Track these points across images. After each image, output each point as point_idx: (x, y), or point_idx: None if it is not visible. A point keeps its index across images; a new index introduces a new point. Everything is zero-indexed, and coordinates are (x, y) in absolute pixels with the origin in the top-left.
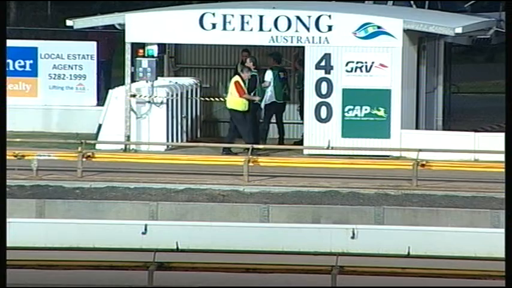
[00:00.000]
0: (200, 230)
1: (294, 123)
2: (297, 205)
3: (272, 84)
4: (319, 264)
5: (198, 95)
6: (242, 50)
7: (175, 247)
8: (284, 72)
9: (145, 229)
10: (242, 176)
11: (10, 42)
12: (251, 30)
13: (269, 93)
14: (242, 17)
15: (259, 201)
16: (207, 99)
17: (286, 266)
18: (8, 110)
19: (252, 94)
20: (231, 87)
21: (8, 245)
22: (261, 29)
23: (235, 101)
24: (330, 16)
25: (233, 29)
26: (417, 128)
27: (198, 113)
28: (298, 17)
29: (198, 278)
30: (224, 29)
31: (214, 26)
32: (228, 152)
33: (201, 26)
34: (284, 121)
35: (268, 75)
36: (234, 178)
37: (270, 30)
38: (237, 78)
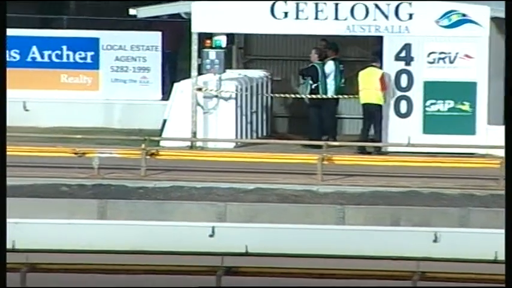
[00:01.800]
0: (271, 232)
1: (354, 118)
2: (374, 206)
3: (333, 76)
4: (399, 270)
5: (269, 89)
6: (321, 39)
7: (244, 250)
8: (342, 63)
9: (213, 231)
10: (316, 175)
11: (70, 33)
12: (326, 19)
13: (329, 86)
14: (316, 5)
15: (334, 202)
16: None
17: (363, 272)
18: (69, 105)
19: (314, 86)
20: (372, 80)
21: (70, 247)
22: (336, 18)
23: (378, 95)
24: (410, 3)
25: (306, 18)
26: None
27: (269, 108)
28: (376, 5)
29: (268, 283)
30: (297, 18)
31: (286, 14)
32: (362, 151)
33: (272, 14)
34: (344, 116)
35: (330, 67)
36: (307, 177)
37: (346, 19)
38: (378, 70)
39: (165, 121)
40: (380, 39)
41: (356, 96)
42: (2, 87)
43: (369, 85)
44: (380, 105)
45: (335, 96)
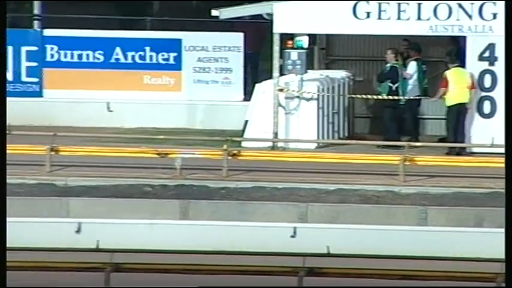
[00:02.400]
0: (352, 233)
1: (436, 118)
2: (457, 207)
3: (416, 77)
4: (483, 271)
5: (351, 89)
6: (403, 39)
7: (326, 251)
8: (425, 64)
9: (295, 232)
10: (398, 176)
11: (153, 34)
12: (408, 19)
13: (410, 86)
14: (399, 5)
15: (417, 203)
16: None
17: (446, 273)
18: (151, 106)
19: (394, 87)
20: (464, 79)
21: (153, 248)
22: (419, 18)
23: (468, 94)
24: (494, 3)
25: (389, 18)
26: None
27: (351, 108)
28: (459, 5)
29: (350, 284)
30: (379, 18)
31: (368, 14)
32: (450, 151)
33: (355, 15)
34: (426, 116)
35: (412, 67)
36: (389, 178)
37: (428, 19)
38: (465, 70)
39: (246, 122)
40: (453, 39)
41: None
42: (2, 88)
43: (461, 84)
44: (466, 105)
45: (416, 97)
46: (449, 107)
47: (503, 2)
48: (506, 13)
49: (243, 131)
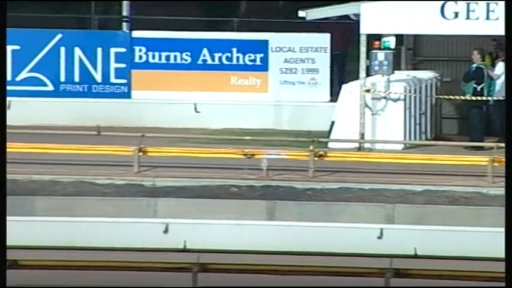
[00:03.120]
0: (440, 235)
1: None
2: None
3: (503, 77)
4: None
5: (438, 90)
6: (491, 39)
7: (413, 253)
8: None
9: (381, 233)
10: (486, 177)
11: (240, 35)
12: (497, 19)
13: (498, 87)
14: (488, 4)
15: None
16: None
17: None
18: (238, 106)
19: (479, 88)
20: None
21: (240, 248)
22: None
23: None
24: None
25: (477, 18)
26: None
27: (438, 109)
28: None
29: (437, 285)
30: (467, 18)
31: (456, 15)
32: None
33: (442, 15)
34: None
35: (500, 68)
36: (477, 179)
37: None
38: None
39: (333, 123)
40: None
41: None
42: (2, 88)
43: None
44: None
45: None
46: None
47: None
48: (506, 13)
49: (330, 131)
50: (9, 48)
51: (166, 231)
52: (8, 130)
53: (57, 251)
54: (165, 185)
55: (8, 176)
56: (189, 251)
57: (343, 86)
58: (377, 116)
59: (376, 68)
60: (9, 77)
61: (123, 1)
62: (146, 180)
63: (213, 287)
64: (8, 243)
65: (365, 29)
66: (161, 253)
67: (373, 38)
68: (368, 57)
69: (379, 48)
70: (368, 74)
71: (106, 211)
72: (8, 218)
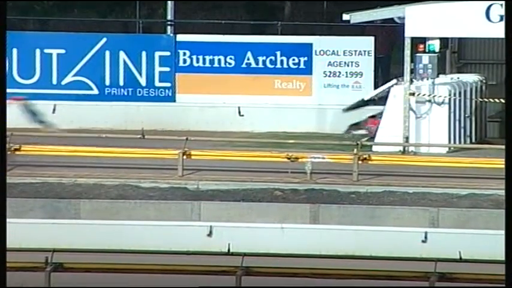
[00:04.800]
0: (485, 239)
1: None
2: None
3: None
4: None
5: (483, 93)
6: None
7: (457, 257)
8: None
9: (426, 237)
10: None
11: (284, 39)
12: None
13: None
14: None
15: None
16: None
17: None
18: (281, 110)
19: None
20: None
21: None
22: None
23: None
24: None
25: None
26: None
27: (483, 112)
28: None
29: None
30: None
31: (501, 17)
32: None
33: (487, 17)
34: None
35: None
36: None
37: None
38: None
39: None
40: None
41: None
42: (2, 88)
43: None
44: None
45: None
46: None
47: None
48: (507, 13)
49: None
50: (55, 52)
51: (210, 234)
52: (53, 134)
53: (101, 254)
54: (209, 188)
55: (54, 180)
56: (233, 254)
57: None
58: (421, 119)
59: (421, 71)
60: (54, 81)
61: (167, 4)
62: (190, 184)
63: None
64: (53, 246)
65: (410, 32)
66: (205, 256)
67: (418, 41)
68: (412, 60)
69: (424, 52)
70: (412, 78)
71: (150, 214)
72: (52, 221)
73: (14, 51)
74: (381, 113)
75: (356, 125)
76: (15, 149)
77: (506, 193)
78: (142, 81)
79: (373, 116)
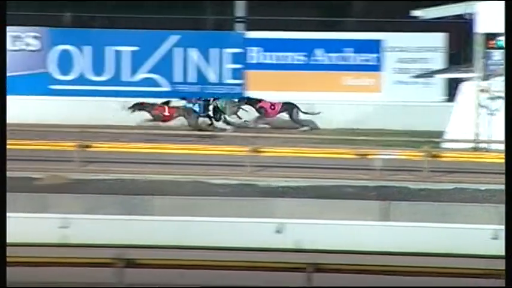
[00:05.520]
0: None
1: None
2: None
3: None
4: None
5: None
6: None
7: None
8: None
9: (496, 234)
10: None
11: (353, 35)
12: None
13: None
14: None
15: None
16: None
17: None
18: (351, 106)
19: None
20: None
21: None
22: None
23: None
24: None
25: None
26: None
27: None
28: None
29: None
30: None
31: None
32: None
33: None
34: None
35: None
36: None
37: None
38: None
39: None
40: None
41: None
42: (2, 87)
43: None
44: None
45: None
46: None
47: None
48: (506, 13)
49: (444, 131)
50: (128, 50)
51: (280, 231)
52: (126, 130)
53: (172, 250)
54: (279, 185)
55: (127, 176)
56: (303, 251)
57: (459, 86)
58: (493, 115)
59: (492, 67)
60: (127, 78)
61: (237, 1)
62: (260, 180)
63: (327, 287)
64: (126, 242)
65: (481, 28)
66: (275, 253)
67: (488, 37)
68: (484, 56)
69: (495, 48)
70: (484, 74)
71: (222, 211)
72: (127, 217)
73: (86, 48)
74: None
75: None
76: (87, 146)
77: (507, 193)
78: (213, 78)
79: None
